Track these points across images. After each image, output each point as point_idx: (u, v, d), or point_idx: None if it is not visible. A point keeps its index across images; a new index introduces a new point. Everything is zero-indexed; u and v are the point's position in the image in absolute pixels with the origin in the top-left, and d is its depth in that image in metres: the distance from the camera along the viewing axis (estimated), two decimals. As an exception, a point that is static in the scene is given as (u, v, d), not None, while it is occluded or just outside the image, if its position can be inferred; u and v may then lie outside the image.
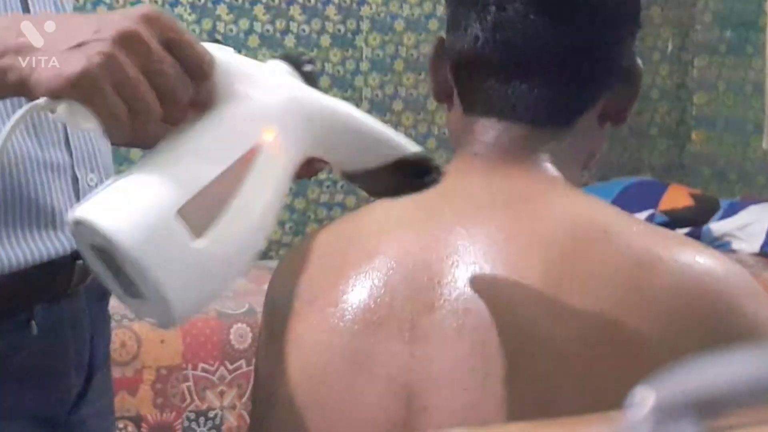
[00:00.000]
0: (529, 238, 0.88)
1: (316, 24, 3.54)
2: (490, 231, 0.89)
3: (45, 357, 1.20)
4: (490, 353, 0.85)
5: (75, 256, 1.20)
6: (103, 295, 1.32)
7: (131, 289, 0.75)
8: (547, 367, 0.83)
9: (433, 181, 0.83)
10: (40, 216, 1.16)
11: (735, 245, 3.33)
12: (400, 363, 0.88)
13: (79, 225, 0.74)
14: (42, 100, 0.74)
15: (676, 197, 3.61)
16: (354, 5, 3.59)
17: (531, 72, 0.93)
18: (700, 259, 0.87)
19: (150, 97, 0.73)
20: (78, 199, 1.21)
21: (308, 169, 0.84)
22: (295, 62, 0.82)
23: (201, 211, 0.73)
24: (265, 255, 3.55)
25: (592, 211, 0.92)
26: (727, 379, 0.48)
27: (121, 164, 2.27)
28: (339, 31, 3.57)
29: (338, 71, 3.55)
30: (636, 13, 0.98)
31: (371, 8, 3.61)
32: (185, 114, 0.76)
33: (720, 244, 3.33)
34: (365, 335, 0.90)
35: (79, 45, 0.73)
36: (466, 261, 0.89)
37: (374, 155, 0.82)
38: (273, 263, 3.69)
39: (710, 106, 4.03)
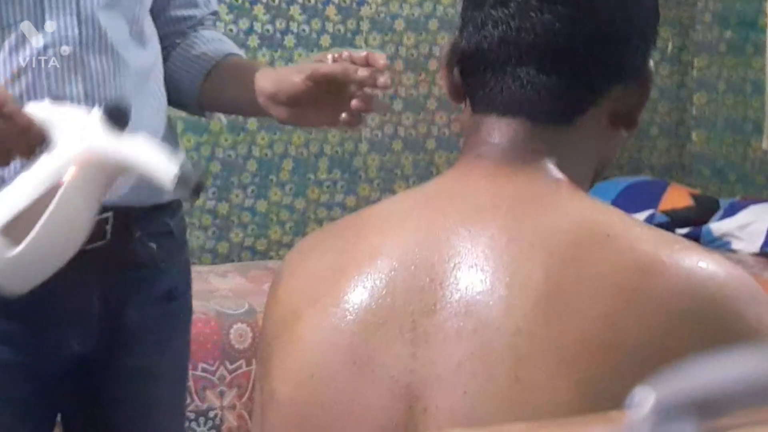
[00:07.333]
0: (531, 241, 0.88)
1: (316, 24, 3.54)
2: (492, 233, 0.89)
3: (41, 304, 1.41)
4: (491, 355, 0.85)
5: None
6: (143, 264, 1.50)
7: None
8: (547, 370, 0.83)
9: (198, 191, 1.19)
10: None
11: (735, 245, 3.33)
12: (402, 364, 0.89)
13: None
14: None
15: (676, 197, 3.61)
16: (354, 5, 3.59)
17: (529, 66, 0.93)
18: (702, 263, 0.87)
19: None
20: None
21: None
22: (109, 112, 1.21)
23: (18, 228, 1.17)
24: (265, 255, 3.57)
25: (595, 213, 0.92)
26: (727, 380, 0.48)
27: None
28: (339, 31, 3.57)
29: (338, 71, 3.54)
30: (646, 14, 0.97)
31: (371, 8, 3.61)
32: (10, 158, 1.26)
33: (720, 244, 3.33)
34: (367, 336, 0.90)
35: None
36: (468, 263, 0.89)
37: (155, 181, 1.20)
38: (273, 263, 3.68)
39: (710, 106, 4.03)
